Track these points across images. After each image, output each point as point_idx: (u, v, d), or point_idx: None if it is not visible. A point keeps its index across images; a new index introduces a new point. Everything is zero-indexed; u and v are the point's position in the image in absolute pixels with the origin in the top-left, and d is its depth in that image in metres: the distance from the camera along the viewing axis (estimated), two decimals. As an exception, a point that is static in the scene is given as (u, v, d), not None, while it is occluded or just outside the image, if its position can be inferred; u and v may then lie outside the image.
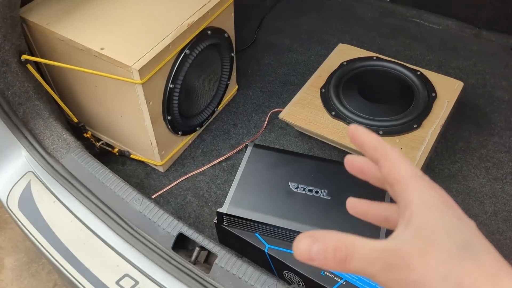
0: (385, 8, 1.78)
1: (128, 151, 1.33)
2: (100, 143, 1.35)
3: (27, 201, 1.02)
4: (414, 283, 0.28)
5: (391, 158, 0.34)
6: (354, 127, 0.36)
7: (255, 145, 1.14)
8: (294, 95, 1.51)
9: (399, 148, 0.30)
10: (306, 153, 1.27)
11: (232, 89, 1.51)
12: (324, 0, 1.88)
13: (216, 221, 1.07)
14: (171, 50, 1.09)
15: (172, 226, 0.93)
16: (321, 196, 1.03)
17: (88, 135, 1.31)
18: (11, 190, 1.04)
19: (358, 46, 1.60)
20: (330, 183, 1.06)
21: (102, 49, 1.04)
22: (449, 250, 0.28)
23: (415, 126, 1.16)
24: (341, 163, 1.16)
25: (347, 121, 1.19)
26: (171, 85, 1.14)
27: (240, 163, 1.33)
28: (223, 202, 1.24)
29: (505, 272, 0.28)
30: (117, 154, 1.34)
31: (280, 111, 1.44)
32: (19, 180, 1.05)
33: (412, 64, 1.43)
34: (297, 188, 1.04)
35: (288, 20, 1.82)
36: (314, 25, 1.79)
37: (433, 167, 1.26)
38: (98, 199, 0.98)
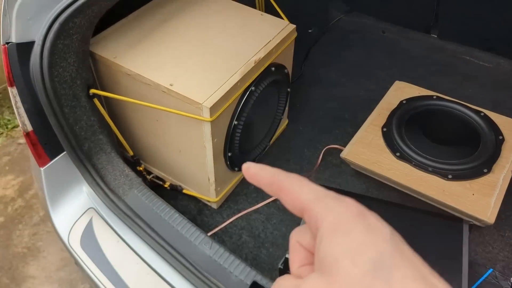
0: (433, 44, 1.76)
1: (180, 186, 1.30)
2: (151, 176, 1.32)
3: (89, 240, 0.99)
4: None
5: (289, 189, 0.30)
6: (245, 166, 0.33)
7: (323, 187, 1.10)
8: (346, 131, 1.48)
9: (296, 174, 0.26)
10: (377, 198, 1.23)
11: (283, 124, 1.48)
12: (369, 34, 1.87)
13: (281, 267, 1.02)
14: (239, 87, 1.07)
15: (245, 274, 0.89)
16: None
17: (141, 169, 1.28)
18: (72, 227, 1.01)
19: (408, 82, 1.58)
20: (409, 234, 1.01)
21: (171, 84, 1.02)
22: (353, 279, 0.24)
23: (485, 170, 1.12)
24: (418, 210, 1.11)
25: (413, 163, 1.15)
26: (236, 122, 1.11)
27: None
28: (280, 243, 1.20)
29: None
30: (168, 188, 1.31)
31: (334, 148, 1.41)
32: (81, 217, 1.02)
33: (465, 102, 1.40)
34: (368, 234, 1.00)
35: (334, 53, 1.81)
36: (361, 59, 1.77)
37: (499, 213, 1.21)
38: (165, 240, 0.94)
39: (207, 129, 1.04)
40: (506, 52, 1.63)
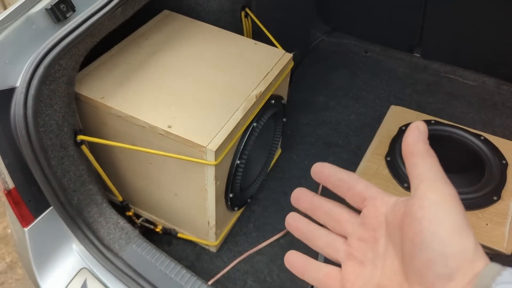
0: (417, 64, 1.75)
1: (174, 230, 1.20)
2: (141, 220, 1.21)
3: (85, 307, 0.87)
4: None
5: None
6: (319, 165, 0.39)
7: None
8: (341, 158, 1.43)
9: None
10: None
11: (276, 153, 1.41)
12: (352, 54, 1.84)
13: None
14: (241, 125, 0.99)
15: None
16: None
17: (130, 214, 1.17)
18: (63, 293, 0.89)
19: (396, 103, 1.55)
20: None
21: (169, 126, 0.93)
22: None
23: (495, 198, 1.09)
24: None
25: (422, 194, 1.11)
26: (238, 161, 1.03)
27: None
28: (289, 286, 1.13)
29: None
30: (160, 232, 1.21)
31: (333, 178, 1.36)
32: (73, 279, 0.91)
33: (456, 122, 1.38)
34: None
35: (319, 75, 1.76)
36: (346, 80, 1.74)
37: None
38: (174, 302, 0.85)
39: (210, 172, 0.95)
40: (490, 70, 1.64)
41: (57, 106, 0.83)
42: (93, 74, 1.03)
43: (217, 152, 0.91)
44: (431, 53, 1.73)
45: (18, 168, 0.82)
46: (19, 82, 0.78)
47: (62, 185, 0.87)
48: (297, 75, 1.76)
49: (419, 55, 1.75)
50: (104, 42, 1.03)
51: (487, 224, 1.05)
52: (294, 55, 1.83)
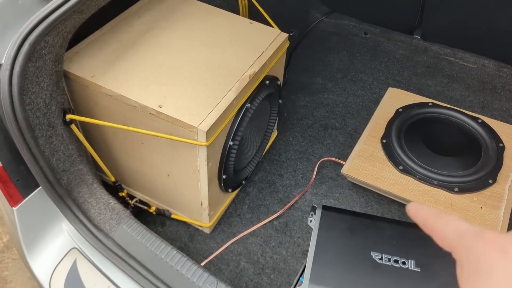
0: (416, 46, 1.73)
1: (168, 211, 1.19)
2: (134, 200, 1.21)
3: (75, 286, 0.87)
4: None
5: (436, 229, 0.33)
6: (413, 207, 0.36)
7: (324, 207, 1.03)
8: (338, 140, 1.42)
9: (446, 214, 0.34)
10: (382, 216, 1.17)
11: (273, 136, 1.40)
12: (351, 36, 1.81)
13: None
14: (234, 105, 0.98)
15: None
16: (409, 267, 0.93)
17: (123, 194, 1.16)
18: (53, 272, 0.89)
19: (395, 86, 1.54)
20: (417, 252, 0.95)
21: (160, 106, 0.91)
22: None
23: (490, 181, 1.08)
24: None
25: (417, 176, 1.10)
26: (231, 143, 1.02)
27: (294, 221, 1.22)
28: (282, 268, 1.12)
29: None
30: (154, 213, 1.20)
31: (328, 160, 1.35)
32: (63, 259, 0.90)
33: (454, 105, 1.37)
34: (381, 258, 0.94)
35: (317, 56, 1.74)
36: (345, 62, 1.71)
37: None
38: (164, 283, 0.84)
39: (202, 153, 0.94)
40: (490, 53, 1.62)
41: (44, 84, 0.82)
42: (83, 52, 1.01)
43: (209, 132, 0.90)
44: (431, 35, 1.69)
45: (4, 147, 0.81)
46: (4, 59, 0.76)
47: (50, 164, 0.86)
48: (295, 56, 1.73)
49: (419, 37, 1.72)
50: (96, 20, 1.01)
51: (481, 208, 1.04)
52: (292, 36, 1.81)
